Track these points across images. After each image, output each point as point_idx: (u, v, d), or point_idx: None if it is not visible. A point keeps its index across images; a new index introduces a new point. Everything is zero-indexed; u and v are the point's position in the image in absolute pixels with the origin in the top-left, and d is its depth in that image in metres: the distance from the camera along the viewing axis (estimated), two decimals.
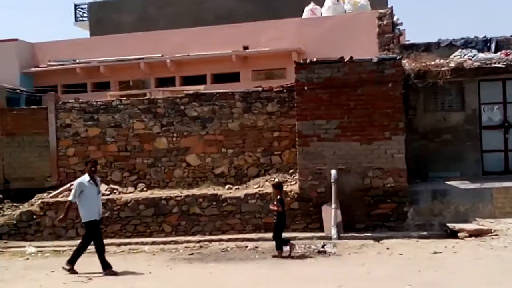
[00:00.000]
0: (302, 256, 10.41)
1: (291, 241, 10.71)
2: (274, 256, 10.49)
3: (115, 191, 13.72)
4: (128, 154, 14.17)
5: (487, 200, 12.08)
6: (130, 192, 13.55)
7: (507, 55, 13.82)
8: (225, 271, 9.63)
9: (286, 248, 10.53)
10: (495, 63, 13.32)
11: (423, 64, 13.45)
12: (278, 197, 10.79)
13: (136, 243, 12.20)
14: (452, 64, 13.45)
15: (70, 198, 9.96)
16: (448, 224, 11.57)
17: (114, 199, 13.22)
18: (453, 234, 11.22)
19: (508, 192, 12.10)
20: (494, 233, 10.98)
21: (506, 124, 13.50)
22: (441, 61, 13.76)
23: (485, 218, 11.86)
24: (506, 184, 12.27)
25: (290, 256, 10.42)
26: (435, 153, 13.61)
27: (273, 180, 12.90)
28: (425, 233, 11.49)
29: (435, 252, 9.89)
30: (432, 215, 12.02)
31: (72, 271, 9.68)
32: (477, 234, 11.04)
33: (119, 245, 12.24)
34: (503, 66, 13.17)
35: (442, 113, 13.80)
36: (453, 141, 13.61)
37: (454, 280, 8.05)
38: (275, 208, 10.69)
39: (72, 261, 9.76)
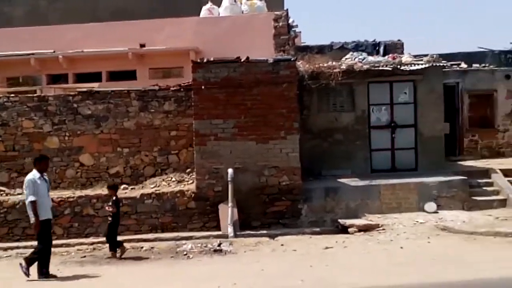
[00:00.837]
0: (198, 255, 10.42)
1: (123, 243, 10.83)
2: (108, 258, 10.58)
3: (2, 192, 13.00)
4: (16, 154, 13.47)
5: (375, 197, 12.70)
6: (19, 194, 12.87)
7: (394, 58, 14.54)
8: (119, 272, 9.43)
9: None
10: (383, 66, 13.96)
11: (317, 65, 13.85)
12: (114, 198, 10.86)
13: (25, 247, 11.58)
14: (344, 66, 13.95)
15: (31, 198, 9.13)
16: (339, 220, 12.04)
17: (1, 201, 12.54)
18: (344, 230, 11.69)
19: (395, 189, 12.79)
20: (381, 228, 11.57)
21: (392, 124, 14.18)
22: (333, 63, 14.24)
23: (374, 213, 12.46)
24: (392, 181, 12.96)
25: (121, 257, 10.51)
26: (327, 152, 14.05)
27: (170, 180, 12.82)
28: (317, 229, 11.88)
29: (327, 248, 10.26)
30: (325, 212, 12.46)
31: (51, 275, 9.20)
32: (366, 229, 11.59)
33: (5, 249, 11.62)
34: (390, 69, 13.84)
35: (334, 114, 14.25)
36: (344, 140, 14.11)
37: (344, 274, 8.39)
38: (110, 209, 10.76)
39: (43, 266, 9.18)
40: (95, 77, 17.22)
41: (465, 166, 14.99)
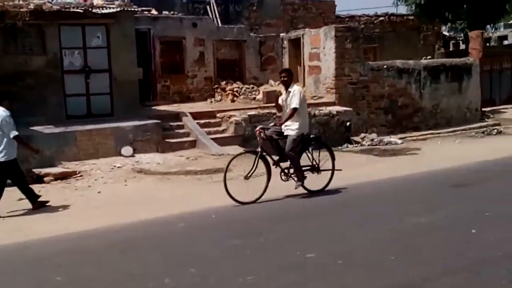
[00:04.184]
0: None
1: None
2: None
3: None
4: None
5: (71, 143, 12.45)
6: None
7: (85, 0, 14.13)
8: None
9: None
10: (74, 8, 13.47)
11: (1, 4, 12.62)
12: None
13: None
14: (32, 6, 13.02)
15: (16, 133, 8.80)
16: (34, 170, 11.48)
17: None
18: (40, 179, 11.21)
19: (91, 134, 12.71)
20: (79, 175, 11.45)
21: (87, 69, 13.93)
22: (21, 2, 13.17)
23: (71, 161, 12.23)
24: (88, 127, 12.85)
25: None
26: (19, 97, 13.05)
27: None
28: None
29: (20, 199, 9.69)
30: (19, 161, 11.69)
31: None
32: (63, 177, 11.33)
33: None
34: (82, 11, 13.43)
35: (24, 57, 13.33)
36: (36, 85, 13.34)
37: (45, 223, 8.12)
38: None
39: None
40: None
41: (158, 110, 15.67)
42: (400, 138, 15.74)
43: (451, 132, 17.00)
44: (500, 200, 8.50)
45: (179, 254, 6.51)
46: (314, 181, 9.24)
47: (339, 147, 14.43)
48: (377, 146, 14.68)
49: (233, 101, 17.28)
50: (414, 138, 16.17)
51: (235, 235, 7.05)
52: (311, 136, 9.51)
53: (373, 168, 11.86)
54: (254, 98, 16.93)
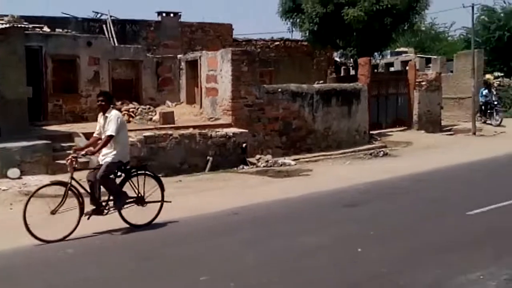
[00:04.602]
0: None
1: None
2: None
3: None
4: None
5: None
6: None
7: None
8: None
9: None
10: None
11: None
12: None
13: None
14: None
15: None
16: None
17: None
18: None
19: None
20: None
21: None
22: None
23: None
24: None
25: None
26: None
27: None
28: None
29: None
30: None
31: None
32: None
33: None
34: None
35: None
36: None
37: None
38: None
39: None
40: None
41: (49, 130, 15.07)
42: (294, 160, 16.20)
43: (341, 154, 17.73)
44: (384, 219, 9.00)
45: (64, 281, 6.30)
46: (139, 214, 8.59)
47: (235, 168, 14.62)
48: (272, 167, 15.00)
49: (129, 121, 16.98)
50: (307, 159, 16.69)
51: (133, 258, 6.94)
52: (135, 165, 9.02)
53: (267, 189, 12.12)
54: (151, 119, 16.78)
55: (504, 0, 39.21)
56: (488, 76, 30.66)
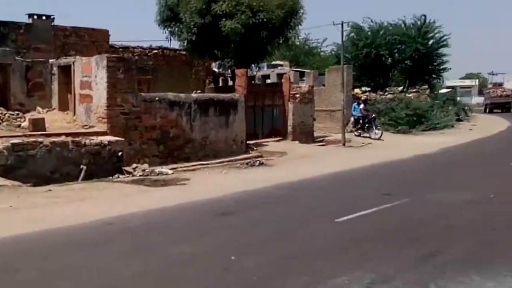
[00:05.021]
0: None
1: None
2: None
3: None
4: None
5: None
6: None
7: None
8: None
9: None
10: None
11: None
12: None
13: None
14: None
15: None
16: None
17: None
18: None
19: None
20: None
21: None
22: None
23: None
24: None
25: None
26: None
27: None
28: None
29: None
30: None
31: None
32: None
33: None
34: None
35: None
36: None
37: None
38: None
39: None
40: None
41: None
42: (172, 169, 16.11)
43: (218, 163, 17.92)
44: (259, 228, 9.24)
45: None
46: None
47: (111, 178, 14.26)
48: (148, 177, 14.81)
49: None
50: (185, 168, 16.67)
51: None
52: None
53: (143, 198, 11.95)
54: (19, 125, 15.88)
55: (371, 19, 41.99)
56: (356, 90, 32.58)
